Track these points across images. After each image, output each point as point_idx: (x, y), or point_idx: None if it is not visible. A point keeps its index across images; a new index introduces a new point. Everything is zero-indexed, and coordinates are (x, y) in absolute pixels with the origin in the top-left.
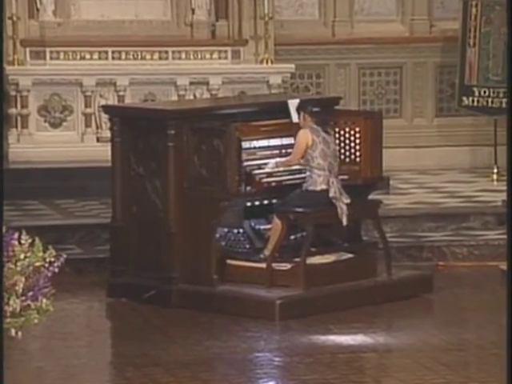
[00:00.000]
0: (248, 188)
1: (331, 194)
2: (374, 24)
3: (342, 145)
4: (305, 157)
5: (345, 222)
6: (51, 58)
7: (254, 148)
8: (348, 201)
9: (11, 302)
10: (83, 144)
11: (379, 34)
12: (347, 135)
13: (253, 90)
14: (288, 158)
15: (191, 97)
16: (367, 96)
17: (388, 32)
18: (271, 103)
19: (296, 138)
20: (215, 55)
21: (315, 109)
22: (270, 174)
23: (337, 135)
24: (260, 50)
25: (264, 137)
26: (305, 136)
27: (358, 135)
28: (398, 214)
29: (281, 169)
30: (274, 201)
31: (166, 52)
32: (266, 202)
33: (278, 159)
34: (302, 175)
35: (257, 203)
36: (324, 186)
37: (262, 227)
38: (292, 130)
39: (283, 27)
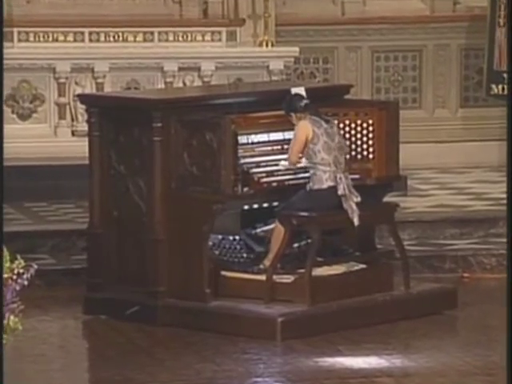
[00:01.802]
0: (245, 189)
1: (340, 192)
2: (390, 1)
3: (353, 139)
4: (306, 152)
5: (356, 221)
6: (20, 40)
7: (252, 143)
8: (358, 199)
9: None
10: (56, 138)
11: (395, 12)
12: (359, 128)
13: (251, 77)
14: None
15: (180, 84)
16: (382, 84)
17: (405, 10)
18: (272, 92)
19: (295, 131)
20: (207, 37)
21: (305, 101)
22: (270, 173)
23: (347, 128)
24: (259, 30)
25: (263, 130)
26: (304, 128)
27: (371, 128)
28: (416, 219)
29: (282, 167)
30: (275, 203)
31: (152, 33)
32: (265, 204)
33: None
34: (307, 174)
35: (255, 206)
36: (331, 183)
37: (259, 230)
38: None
39: (285, 5)
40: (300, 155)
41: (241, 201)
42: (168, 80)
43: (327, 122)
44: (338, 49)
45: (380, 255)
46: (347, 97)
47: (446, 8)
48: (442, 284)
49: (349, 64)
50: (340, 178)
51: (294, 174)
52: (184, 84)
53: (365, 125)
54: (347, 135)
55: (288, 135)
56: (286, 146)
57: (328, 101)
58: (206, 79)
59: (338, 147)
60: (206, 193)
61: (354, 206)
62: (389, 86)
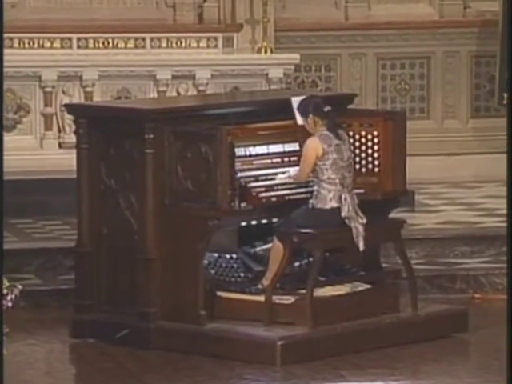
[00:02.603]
0: (243, 204)
1: (344, 214)
2: (396, 5)
3: (358, 152)
4: (313, 168)
5: (361, 246)
6: (4, 47)
7: (250, 156)
8: (363, 221)
9: None
10: (42, 151)
11: (402, 17)
12: (363, 140)
13: (248, 86)
14: (295, 173)
15: (174, 93)
16: (387, 92)
17: (413, 15)
18: (271, 101)
19: (303, 149)
20: (203, 43)
21: (327, 108)
22: (269, 188)
23: (351, 140)
24: (257, 36)
25: (262, 142)
26: (314, 146)
27: (376, 140)
28: (424, 236)
29: (283, 181)
30: (275, 220)
31: (144, 39)
32: (264, 221)
33: (287, 174)
34: (309, 189)
35: (253, 223)
36: (335, 204)
37: (258, 248)
38: (296, 133)
39: (285, 9)
40: (311, 174)
41: (238, 217)
42: (161, 89)
43: (339, 137)
44: (341, 56)
45: (386, 275)
46: (351, 106)
47: (456, 13)
48: (452, 305)
49: (353, 72)
50: (345, 199)
51: (295, 188)
52: (178, 93)
53: (370, 136)
54: (351, 147)
55: (288, 147)
56: (286, 159)
57: None
58: (201, 88)
59: (347, 165)
60: (201, 208)
61: (360, 228)
62: (395, 95)
